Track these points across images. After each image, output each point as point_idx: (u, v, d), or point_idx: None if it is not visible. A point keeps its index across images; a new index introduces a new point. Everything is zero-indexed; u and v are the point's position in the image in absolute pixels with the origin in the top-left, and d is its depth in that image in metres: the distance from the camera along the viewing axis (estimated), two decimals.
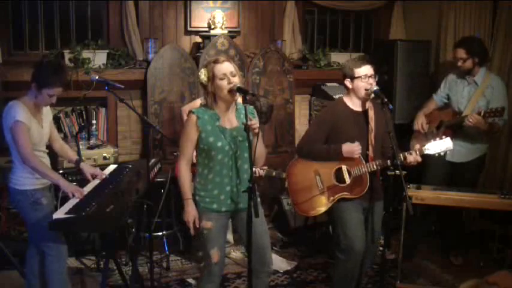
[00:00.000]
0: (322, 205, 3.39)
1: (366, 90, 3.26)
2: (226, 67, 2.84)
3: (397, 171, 3.15)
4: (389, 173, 3.32)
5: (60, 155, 3.55)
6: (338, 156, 3.29)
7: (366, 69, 3.26)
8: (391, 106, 3.28)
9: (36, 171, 3.08)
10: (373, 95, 3.28)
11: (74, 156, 3.49)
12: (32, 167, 3.05)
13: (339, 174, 3.35)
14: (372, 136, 3.32)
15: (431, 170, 4.27)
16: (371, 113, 3.34)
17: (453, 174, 4.20)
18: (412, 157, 3.21)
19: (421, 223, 4.37)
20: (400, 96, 5.09)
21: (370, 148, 3.32)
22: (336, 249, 3.37)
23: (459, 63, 4.08)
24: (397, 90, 5.08)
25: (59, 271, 3.21)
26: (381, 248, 3.87)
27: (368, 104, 3.36)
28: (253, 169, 3.28)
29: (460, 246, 4.38)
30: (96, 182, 3.36)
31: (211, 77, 2.83)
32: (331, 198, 3.36)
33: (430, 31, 5.35)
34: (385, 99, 3.24)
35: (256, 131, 2.76)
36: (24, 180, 3.11)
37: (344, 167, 3.33)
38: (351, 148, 3.23)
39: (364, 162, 3.28)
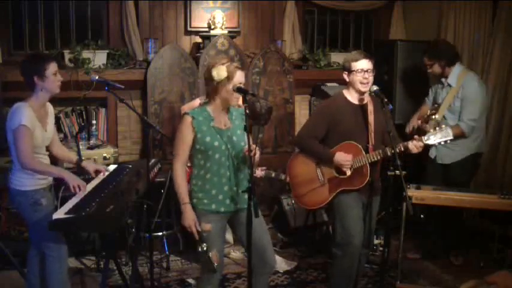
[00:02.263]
0: (323, 198, 3.40)
1: (361, 83, 3.26)
2: (243, 77, 2.86)
3: (397, 171, 3.16)
4: (389, 173, 3.32)
5: (59, 158, 3.52)
6: (329, 161, 3.32)
7: (363, 64, 3.25)
8: (391, 106, 3.28)
9: (38, 173, 3.08)
10: (368, 91, 3.30)
11: (73, 157, 3.49)
12: (32, 170, 3.05)
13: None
14: (371, 129, 3.32)
15: (427, 173, 4.29)
16: (370, 107, 3.35)
17: (445, 176, 4.20)
18: (412, 144, 3.20)
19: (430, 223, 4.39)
20: (400, 96, 5.08)
21: (370, 141, 3.32)
22: (332, 245, 3.38)
23: (428, 70, 4.20)
24: (397, 90, 5.07)
25: (59, 272, 3.20)
26: (381, 248, 3.88)
27: (367, 98, 3.37)
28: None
29: (460, 246, 4.37)
30: (96, 182, 3.36)
31: (229, 79, 2.80)
32: (333, 190, 3.37)
33: (430, 31, 5.35)
34: (385, 99, 3.25)
35: (252, 153, 2.75)
36: (24, 181, 3.11)
37: None
38: (343, 158, 3.25)
39: (364, 153, 3.28)
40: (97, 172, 3.44)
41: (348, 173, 3.31)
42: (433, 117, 4.09)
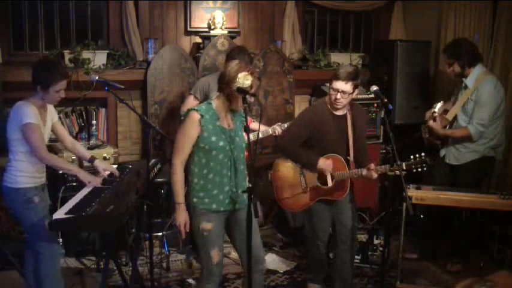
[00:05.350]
0: (303, 203, 3.57)
1: (333, 101, 3.33)
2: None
3: (397, 171, 3.17)
4: (389, 173, 3.33)
5: (73, 153, 3.61)
6: (313, 167, 3.43)
7: (339, 84, 3.29)
8: (390, 106, 3.29)
9: (55, 167, 3.22)
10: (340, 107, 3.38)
11: (87, 155, 3.50)
12: (50, 163, 3.16)
13: (322, 177, 3.46)
14: (350, 141, 3.42)
15: (435, 172, 4.27)
16: (349, 117, 3.42)
17: (452, 178, 4.18)
18: (366, 172, 3.33)
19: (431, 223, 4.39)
20: (400, 96, 5.09)
21: (351, 153, 3.43)
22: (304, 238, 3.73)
23: (449, 69, 4.11)
24: (397, 90, 5.08)
25: (51, 271, 3.21)
26: (381, 248, 3.87)
27: (347, 107, 3.43)
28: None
29: (459, 248, 4.29)
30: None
31: (250, 88, 2.79)
32: (313, 198, 3.52)
33: (430, 31, 5.35)
34: (385, 99, 3.27)
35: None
36: (17, 178, 3.13)
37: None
38: (325, 165, 3.38)
39: (347, 169, 3.39)
40: (106, 170, 3.45)
41: (330, 184, 3.41)
42: (435, 114, 4.08)
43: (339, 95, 3.29)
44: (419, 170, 3.32)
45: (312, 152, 3.44)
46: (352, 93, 3.32)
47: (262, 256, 3.08)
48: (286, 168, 3.63)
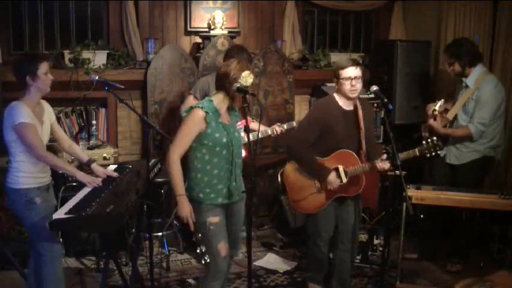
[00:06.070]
0: (320, 203, 3.51)
1: (349, 91, 3.32)
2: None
3: (397, 171, 3.18)
4: (389, 173, 3.34)
5: (70, 155, 3.58)
6: (321, 178, 3.44)
7: (350, 71, 3.29)
8: (390, 106, 3.30)
9: (54, 167, 3.19)
10: (356, 95, 3.37)
11: (84, 157, 3.48)
12: (48, 163, 3.15)
13: (323, 181, 3.45)
14: (362, 135, 3.39)
15: (435, 172, 4.27)
16: (360, 112, 3.40)
17: (452, 177, 4.19)
18: (380, 164, 3.30)
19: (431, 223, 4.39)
20: (400, 96, 5.09)
21: (363, 146, 3.40)
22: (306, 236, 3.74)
23: (449, 69, 4.13)
24: (397, 90, 5.08)
25: (52, 271, 3.21)
26: (381, 248, 3.87)
27: (357, 102, 3.42)
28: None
29: (459, 248, 4.30)
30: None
31: (251, 86, 2.87)
32: (329, 197, 3.47)
33: (430, 31, 5.35)
34: (385, 99, 3.27)
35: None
36: (19, 179, 3.12)
37: (341, 167, 3.41)
38: (333, 181, 3.38)
39: (359, 163, 3.36)
40: (105, 174, 3.43)
41: (345, 180, 3.40)
42: (435, 113, 4.09)
43: (354, 82, 3.29)
44: (433, 154, 3.33)
45: (324, 145, 3.42)
46: (362, 77, 3.35)
47: (239, 245, 3.32)
48: (298, 170, 3.57)
